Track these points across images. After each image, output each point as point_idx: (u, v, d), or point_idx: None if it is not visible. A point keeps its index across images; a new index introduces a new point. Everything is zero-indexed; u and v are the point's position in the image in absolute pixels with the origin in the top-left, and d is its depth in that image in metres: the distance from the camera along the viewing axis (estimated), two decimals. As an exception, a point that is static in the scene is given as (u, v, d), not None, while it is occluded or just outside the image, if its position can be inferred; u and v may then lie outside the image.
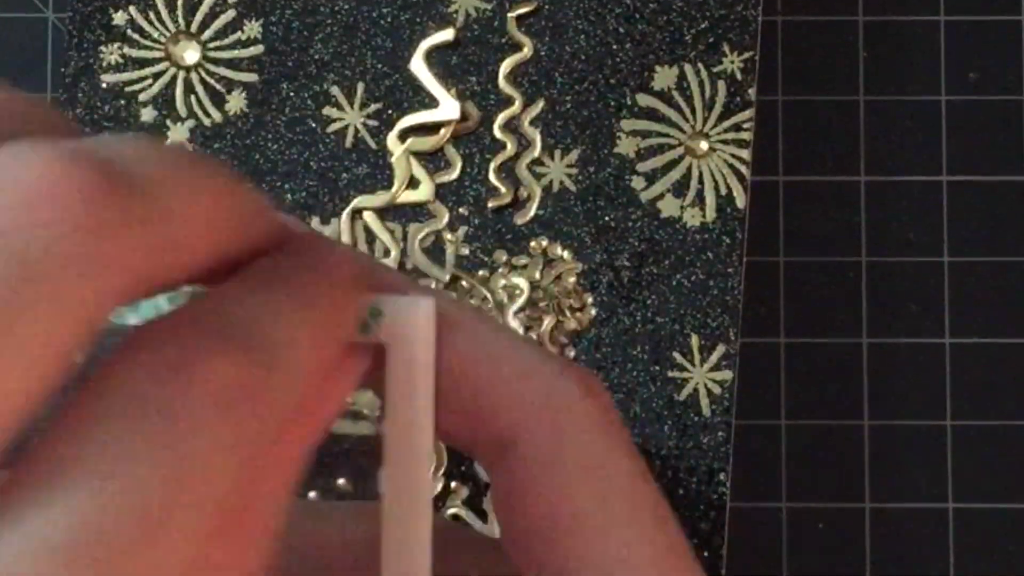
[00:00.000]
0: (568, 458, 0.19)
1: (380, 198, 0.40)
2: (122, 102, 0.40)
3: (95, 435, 0.15)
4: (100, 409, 0.15)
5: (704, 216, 0.40)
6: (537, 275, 0.40)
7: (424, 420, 0.19)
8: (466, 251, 0.40)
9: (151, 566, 0.14)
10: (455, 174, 0.40)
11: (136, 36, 0.40)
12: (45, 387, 0.14)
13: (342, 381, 0.18)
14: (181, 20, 0.40)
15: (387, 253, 0.40)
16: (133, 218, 0.15)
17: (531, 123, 0.40)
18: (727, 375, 0.39)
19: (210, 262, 0.17)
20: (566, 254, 0.40)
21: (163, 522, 0.14)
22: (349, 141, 0.40)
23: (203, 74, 0.40)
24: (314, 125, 0.40)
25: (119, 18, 0.40)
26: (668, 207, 0.40)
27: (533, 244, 0.40)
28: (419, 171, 0.40)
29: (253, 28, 0.40)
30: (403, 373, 0.19)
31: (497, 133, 0.40)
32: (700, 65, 0.40)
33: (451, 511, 0.39)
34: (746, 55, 0.40)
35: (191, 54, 0.40)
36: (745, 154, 0.40)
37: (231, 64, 0.40)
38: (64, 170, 0.15)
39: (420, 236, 0.40)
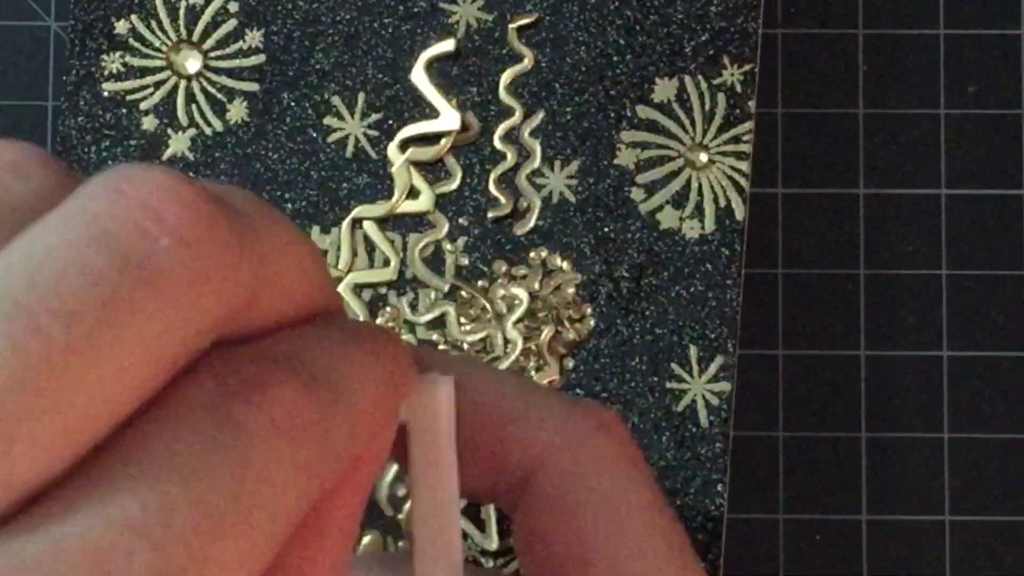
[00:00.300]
0: (583, 492, 0.20)
1: (380, 208, 0.40)
2: (123, 110, 0.40)
3: (167, 441, 0.15)
4: (174, 416, 0.15)
5: (703, 228, 0.40)
6: (536, 286, 0.40)
7: (449, 491, 0.20)
8: (465, 261, 0.40)
9: (214, 561, 0.15)
10: (455, 184, 0.40)
11: (138, 45, 0.41)
12: (141, 391, 0.15)
13: (385, 443, 0.18)
14: (183, 29, 0.41)
15: (387, 263, 0.40)
16: (245, 243, 0.16)
17: (531, 134, 0.40)
18: (725, 386, 0.39)
19: (295, 316, 0.17)
20: (565, 265, 0.40)
21: (227, 523, 0.15)
22: (350, 151, 0.40)
23: (204, 83, 0.40)
24: (315, 135, 0.40)
25: (121, 27, 0.40)
26: (667, 219, 0.40)
27: (532, 255, 0.40)
28: (419, 181, 0.40)
29: (255, 37, 0.41)
30: (427, 451, 0.19)
31: (497, 144, 0.40)
32: (700, 77, 0.40)
33: (449, 521, 0.39)
34: (746, 68, 0.40)
35: (192, 63, 0.40)
36: (744, 166, 0.40)
37: (232, 73, 0.41)
38: (185, 189, 0.15)
39: (420, 246, 0.40)
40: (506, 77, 0.40)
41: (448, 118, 0.40)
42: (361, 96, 0.40)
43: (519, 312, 0.39)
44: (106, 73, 0.40)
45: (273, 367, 0.16)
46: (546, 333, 0.39)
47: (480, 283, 0.40)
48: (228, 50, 0.41)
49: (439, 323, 0.40)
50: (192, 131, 0.40)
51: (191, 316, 0.15)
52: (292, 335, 0.17)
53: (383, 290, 0.40)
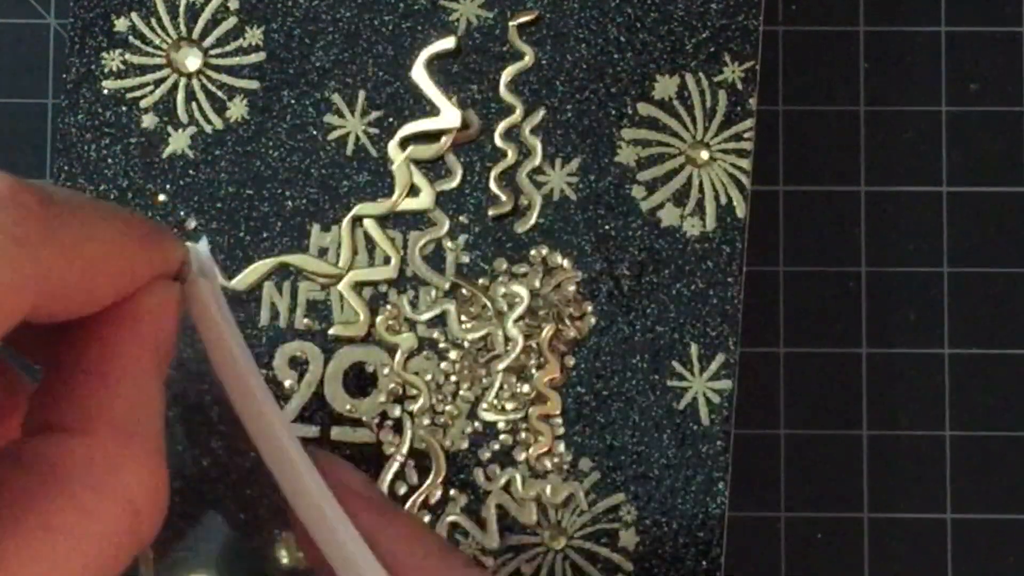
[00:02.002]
0: None
1: (381, 206, 0.40)
2: (123, 108, 0.40)
3: None
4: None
5: (704, 225, 0.40)
6: (537, 283, 0.40)
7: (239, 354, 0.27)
8: (466, 259, 0.40)
9: None
10: (456, 182, 0.40)
11: (138, 43, 0.40)
12: None
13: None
14: (183, 27, 0.41)
15: (387, 261, 0.40)
16: (51, 217, 0.19)
17: (532, 131, 0.40)
18: (726, 384, 0.39)
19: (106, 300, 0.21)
20: (566, 263, 0.40)
21: None
22: (350, 149, 0.40)
23: (204, 81, 0.40)
24: (315, 132, 0.40)
25: (121, 24, 0.40)
26: (668, 216, 0.40)
27: (533, 252, 0.40)
28: (420, 179, 0.40)
29: (254, 35, 0.40)
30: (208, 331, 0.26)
31: (498, 141, 0.40)
32: (701, 75, 0.40)
33: (450, 519, 0.39)
34: (747, 65, 0.40)
35: (192, 61, 0.40)
36: (745, 164, 0.40)
37: (232, 71, 0.40)
38: (11, 185, 0.19)
39: (420, 244, 0.40)
40: (507, 74, 0.40)
41: (448, 116, 0.40)
42: (361, 94, 0.40)
43: (520, 310, 0.39)
44: (106, 71, 0.40)
45: None
46: (547, 331, 0.39)
47: (481, 281, 0.40)
48: (228, 48, 0.41)
49: (440, 321, 0.40)
50: (192, 129, 0.40)
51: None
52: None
53: (383, 288, 0.40)
